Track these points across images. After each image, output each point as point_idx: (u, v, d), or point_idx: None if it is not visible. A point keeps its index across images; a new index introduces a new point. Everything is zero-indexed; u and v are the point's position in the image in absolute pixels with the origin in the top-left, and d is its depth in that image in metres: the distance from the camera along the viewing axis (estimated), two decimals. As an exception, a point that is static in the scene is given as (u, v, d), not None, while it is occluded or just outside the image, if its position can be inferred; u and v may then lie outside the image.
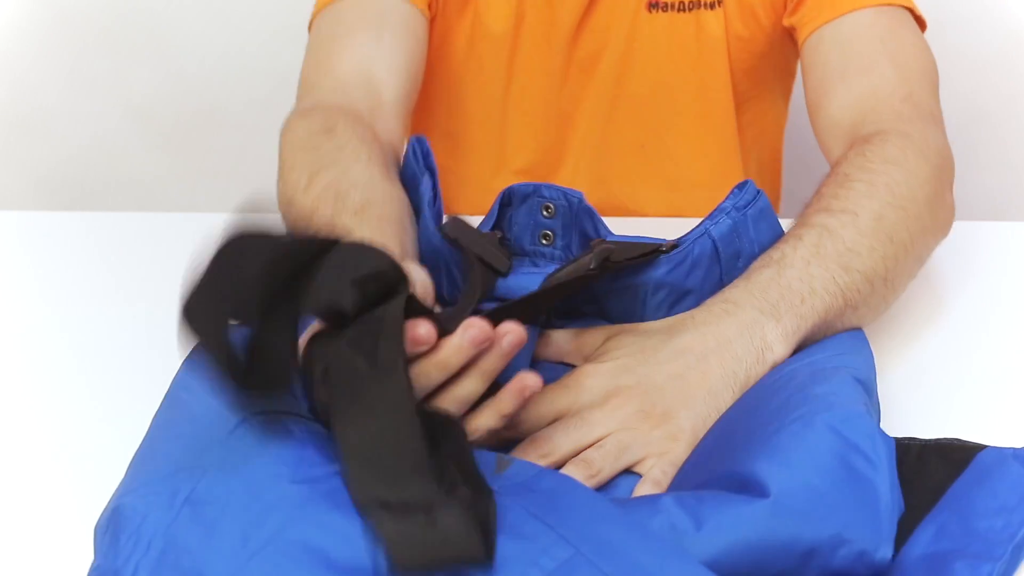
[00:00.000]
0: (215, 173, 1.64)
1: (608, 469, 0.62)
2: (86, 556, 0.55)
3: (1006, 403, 0.71)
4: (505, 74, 1.05)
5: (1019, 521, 0.56)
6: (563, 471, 0.62)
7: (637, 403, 0.64)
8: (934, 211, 0.77)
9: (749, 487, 0.54)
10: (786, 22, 0.99)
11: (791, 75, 1.12)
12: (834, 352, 0.68)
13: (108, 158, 1.62)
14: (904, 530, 0.57)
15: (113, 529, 0.53)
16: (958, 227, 0.82)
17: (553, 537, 0.51)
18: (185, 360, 0.62)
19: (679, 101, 1.05)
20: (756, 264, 0.71)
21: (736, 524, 0.53)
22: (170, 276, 0.89)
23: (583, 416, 0.64)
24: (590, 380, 0.66)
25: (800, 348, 0.68)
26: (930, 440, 0.63)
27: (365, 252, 0.55)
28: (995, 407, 0.71)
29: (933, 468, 0.61)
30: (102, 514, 0.55)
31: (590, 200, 0.73)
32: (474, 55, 1.04)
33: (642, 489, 0.62)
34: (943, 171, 0.80)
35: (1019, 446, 0.61)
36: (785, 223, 0.75)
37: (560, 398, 0.65)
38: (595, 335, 0.71)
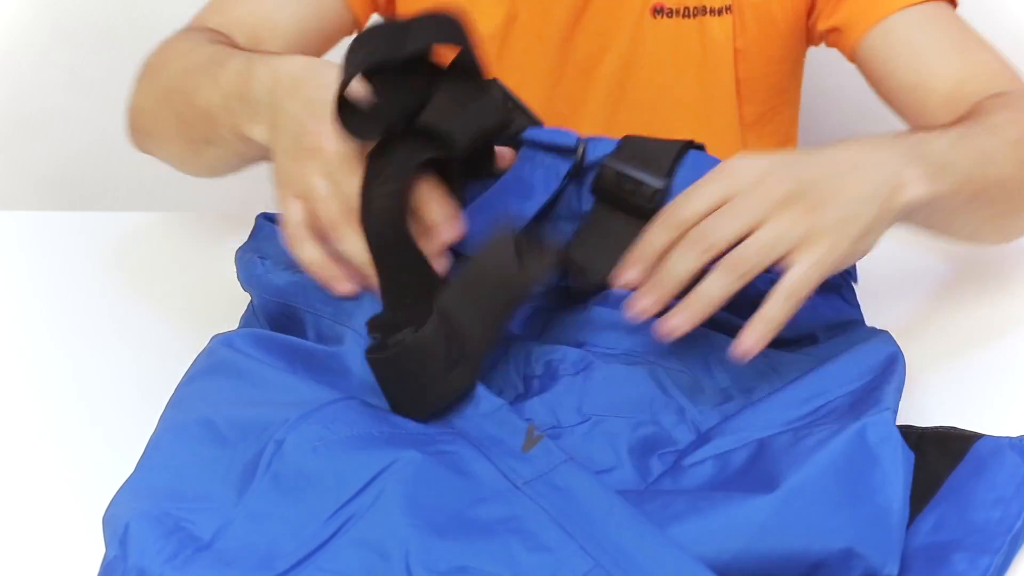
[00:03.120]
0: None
1: (757, 267, 0.62)
2: (78, 552, 0.55)
3: (1006, 403, 0.71)
4: (495, 73, 1.04)
5: (1016, 512, 0.57)
6: (712, 276, 0.62)
7: (792, 185, 0.64)
8: None
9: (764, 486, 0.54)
10: (824, 24, 0.98)
11: (800, 83, 1.11)
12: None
13: (108, 158, 1.61)
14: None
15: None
16: (958, 227, 0.82)
17: (573, 548, 0.50)
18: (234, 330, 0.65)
19: (682, 106, 1.04)
20: (898, 132, 0.73)
21: (741, 517, 0.52)
22: (170, 276, 0.89)
23: (737, 204, 0.64)
24: (743, 162, 0.66)
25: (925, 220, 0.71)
26: (927, 428, 0.63)
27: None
28: (995, 406, 0.71)
29: (931, 458, 0.61)
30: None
31: None
32: None
33: (780, 290, 0.62)
34: None
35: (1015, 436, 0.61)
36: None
37: (712, 187, 0.65)
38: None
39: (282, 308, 0.69)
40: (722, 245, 0.63)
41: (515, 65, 1.03)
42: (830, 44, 1.00)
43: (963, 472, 0.60)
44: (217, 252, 0.90)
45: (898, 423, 0.60)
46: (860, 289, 0.73)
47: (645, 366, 0.65)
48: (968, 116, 0.79)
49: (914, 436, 0.63)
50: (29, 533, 0.63)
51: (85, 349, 0.81)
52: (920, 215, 0.70)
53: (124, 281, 0.89)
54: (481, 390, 0.60)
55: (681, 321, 0.63)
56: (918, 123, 0.91)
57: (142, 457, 0.59)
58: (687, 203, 0.65)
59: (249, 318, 0.73)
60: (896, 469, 0.55)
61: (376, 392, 0.61)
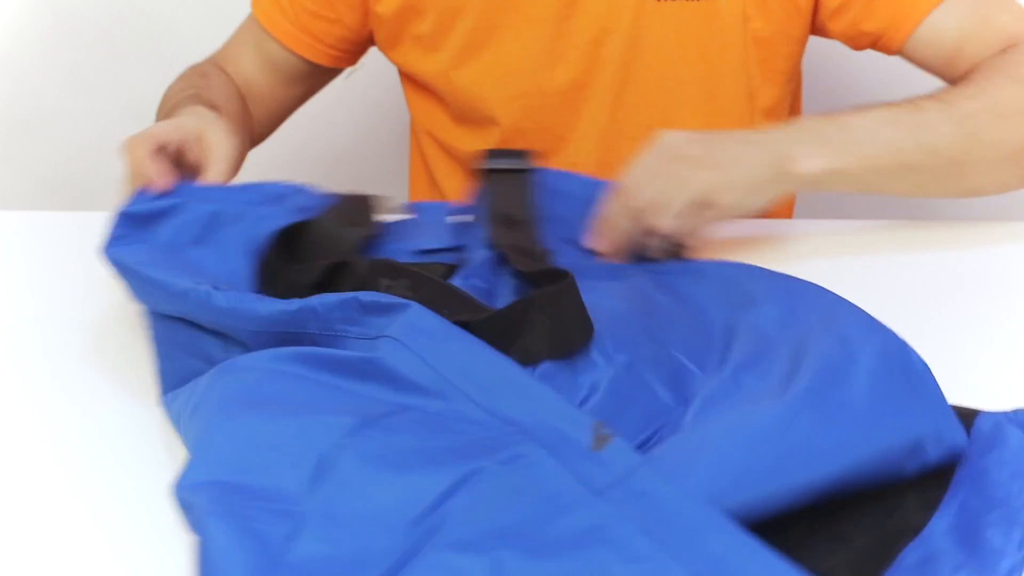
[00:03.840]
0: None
1: (650, 205, 0.82)
2: (77, 551, 0.55)
3: (1006, 403, 0.71)
4: (482, 57, 1.05)
5: None
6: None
7: (672, 151, 0.83)
8: None
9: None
10: (869, 27, 0.98)
11: (799, 72, 1.11)
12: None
13: (108, 158, 1.61)
14: (926, 504, 0.58)
15: None
16: (958, 227, 0.82)
17: (665, 558, 0.49)
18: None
19: (689, 88, 1.04)
20: (845, 111, 0.86)
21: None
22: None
23: (627, 188, 0.83)
24: (637, 166, 0.84)
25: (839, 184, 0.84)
26: None
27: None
28: (996, 406, 0.71)
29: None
30: None
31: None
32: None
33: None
34: None
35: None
36: (800, 223, 0.75)
37: (617, 203, 0.84)
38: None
39: (281, 337, 0.68)
40: (625, 239, 0.83)
41: (504, 49, 1.03)
42: (868, 47, 1.00)
43: (973, 452, 0.61)
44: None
45: None
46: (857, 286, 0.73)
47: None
48: (937, 92, 0.89)
49: None
50: (29, 532, 0.63)
51: (84, 349, 0.81)
52: (832, 183, 0.84)
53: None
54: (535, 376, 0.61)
55: (605, 246, 0.84)
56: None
57: (199, 444, 0.59)
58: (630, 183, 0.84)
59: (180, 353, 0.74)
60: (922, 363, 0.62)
61: (433, 395, 0.60)
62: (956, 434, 0.60)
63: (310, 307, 0.67)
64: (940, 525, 0.57)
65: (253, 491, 0.54)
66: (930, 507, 0.58)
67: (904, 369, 0.62)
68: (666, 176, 0.83)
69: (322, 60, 1.11)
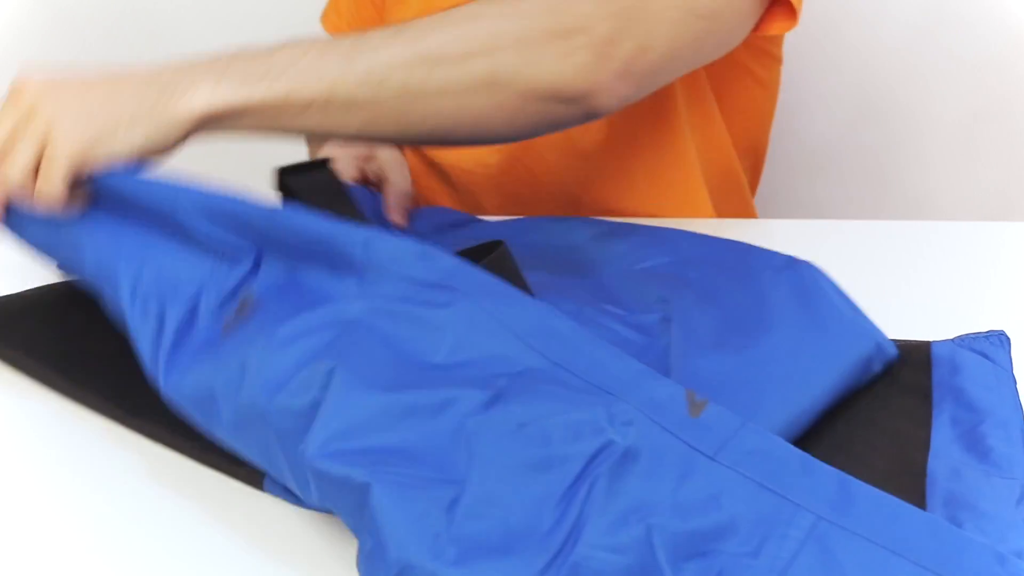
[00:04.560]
0: (214, 173, 1.64)
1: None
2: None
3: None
4: None
5: (1009, 393, 0.66)
6: None
7: (26, 106, 0.70)
8: (526, 49, 0.72)
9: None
10: None
11: (767, 57, 1.06)
12: None
13: (108, 158, 1.61)
14: (919, 422, 0.64)
15: None
16: (958, 227, 0.82)
17: (789, 507, 0.51)
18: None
19: None
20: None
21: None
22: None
23: None
24: None
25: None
26: None
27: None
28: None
29: (905, 372, 0.69)
30: None
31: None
32: None
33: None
34: (572, 33, 0.73)
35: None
36: (765, 224, 0.75)
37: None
38: None
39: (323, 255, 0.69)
40: None
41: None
42: None
43: (943, 374, 0.68)
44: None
45: None
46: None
47: None
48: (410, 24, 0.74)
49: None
50: (29, 531, 0.63)
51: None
52: (237, 120, 0.70)
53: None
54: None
55: None
56: None
57: (335, 409, 0.56)
58: None
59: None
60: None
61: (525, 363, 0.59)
62: (891, 347, 0.69)
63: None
64: (943, 437, 0.62)
65: (405, 457, 0.54)
66: (925, 424, 0.64)
67: (838, 293, 0.71)
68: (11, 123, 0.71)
69: None
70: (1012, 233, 0.93)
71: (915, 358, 0.70)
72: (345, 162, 0.93)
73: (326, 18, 1.17)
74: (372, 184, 0.95)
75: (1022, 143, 1.48)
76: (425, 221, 0.94)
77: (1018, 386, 0.70)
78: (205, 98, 0.68)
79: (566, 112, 0.76)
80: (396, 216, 0.91)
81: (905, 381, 0.69)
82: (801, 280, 0.71)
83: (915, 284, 0.85)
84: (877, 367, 0.68)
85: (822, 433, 0.64)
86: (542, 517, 0.51)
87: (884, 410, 0.66)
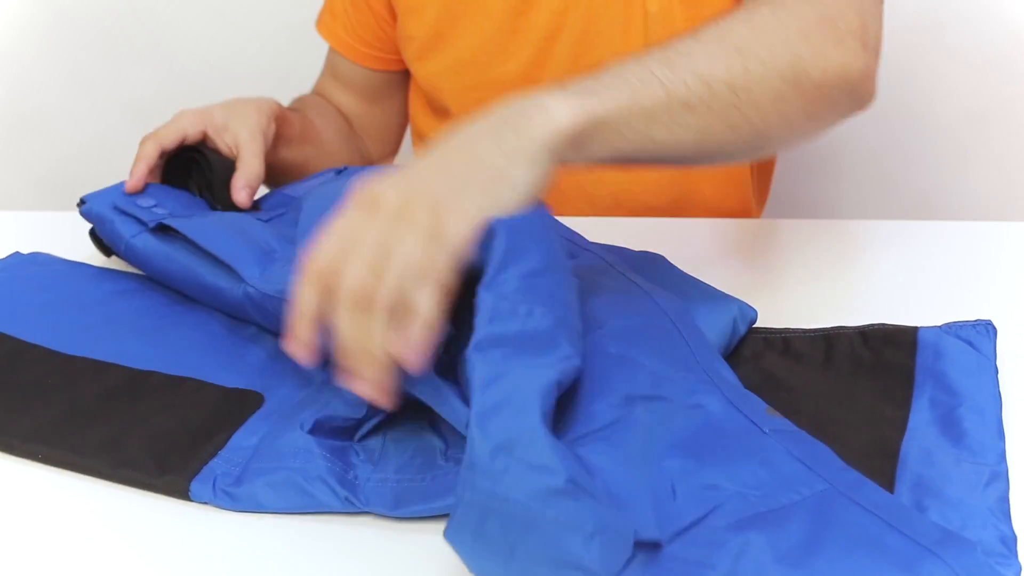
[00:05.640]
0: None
1: (389, 296, 0.57)
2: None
3: (1007, 402, 0.71)
4: (442, 49, 1.07)
5: (989, 380, 0.69)
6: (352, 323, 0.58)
7: (401, 200, 0.59)
8: (810, 40, 0.73)
9: None
10: None
11: None
12: None
13: (108, 158, 1.61)
14: (898, 404, 0.68)
15: None
16: (958, 227, 0.82)
17: (812, 475, 0.58)
18: None
19: None
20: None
21: None
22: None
23: (355, 243, 0.58)
24: (355, 202, 0.60)
25: (615, 129, 0.65)
26: (863, 327, 0.74)
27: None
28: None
29: (888, 353, 0.72)
30: None
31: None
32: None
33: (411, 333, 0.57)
34: (831, 22, 0.74)
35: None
36: (767, 224, 0.75)
37: (331, 240, 0.60)
38: None
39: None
40: (362, 294, 0.57)
41: (463, 41, 1.05)
42: None
43: (926, 357, 0.71)
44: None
45: (823, 326, 0.75)
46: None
47: None
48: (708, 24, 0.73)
49: (851, 335, 0.74)
50: (28, 531, 0.63)
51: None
52: (598, 141, 0.65)
53: (124, 281, 0.88)
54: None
55: (369, 384, 0.59)
56: None
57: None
58: (317, 257, 0.60)
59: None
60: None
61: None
62: (751, 310, 0.75)
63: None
64: (920, 419, 0.66)
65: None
66: (904, 404, 0.67)
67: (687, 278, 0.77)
68: (366, 242, 0.59)
69: (380, 66, 1.15)
70: (1012, 233, 0.93)
71: (901, 340, 0.73)
72: (192, 119, 0.92)
73: (321, 22, 1.16)
74: (219, 150, 0.93)
75: (1022, 143, 1.48)
76: (274, 200, 0.94)
77: (1018, 378, 0.70)
78: (564, 113, 0.63)
79: (849, 102, 0.76)
80: (239, 195, 0.91)
81: (889, 361, 0.71)
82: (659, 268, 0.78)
83: (915, 283, 0.85)
84: (741, 329, 0.74)
85: (801, 411, 0.66)
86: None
87: (866, 391, 0.69)
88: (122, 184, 0.90)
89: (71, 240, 0.93)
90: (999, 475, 0.62)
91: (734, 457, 0.59)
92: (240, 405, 0.70)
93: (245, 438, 0.67)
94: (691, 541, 0.55)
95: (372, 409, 0.65)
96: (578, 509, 0.51)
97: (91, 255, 0.91)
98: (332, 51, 1.17)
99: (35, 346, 0.77)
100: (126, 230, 0.85)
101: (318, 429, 0.66)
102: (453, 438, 0.64)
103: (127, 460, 0.65)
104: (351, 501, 0.62)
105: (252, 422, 0.69)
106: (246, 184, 0.91)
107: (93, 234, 0.90)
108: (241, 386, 0.72)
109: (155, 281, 0.85)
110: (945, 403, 0.67)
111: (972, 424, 0.65)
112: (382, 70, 1.16)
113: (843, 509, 0.56)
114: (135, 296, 0.84)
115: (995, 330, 0.73)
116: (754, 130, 0.71)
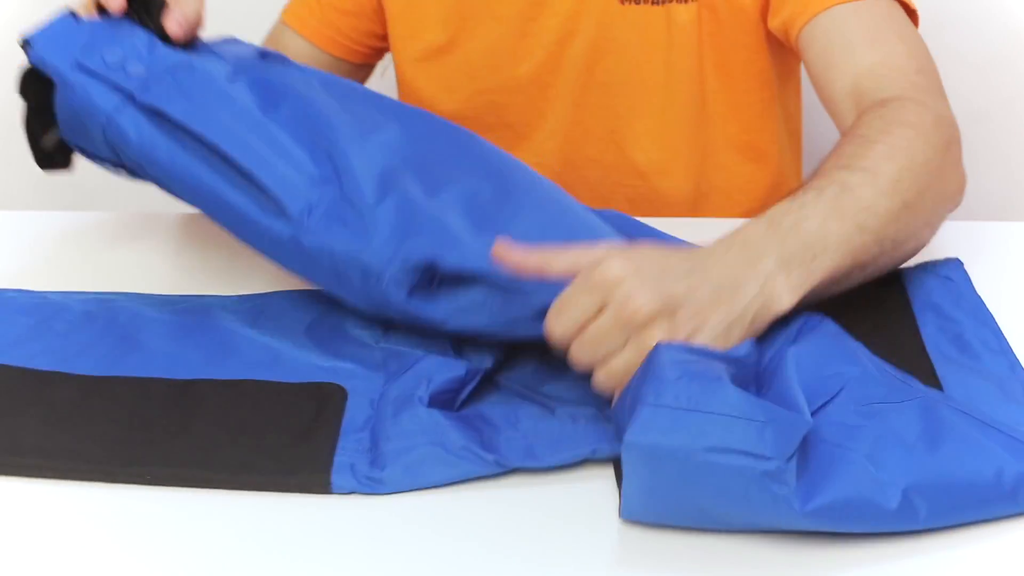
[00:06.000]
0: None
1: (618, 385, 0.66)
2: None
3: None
4: (452, 45, 1.07)
5: (973, 306, 0.78)
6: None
7: (658, 305, 0.65)
8: (948, 178, 0.81)
9: None
10: (772, 24, 0.98)
11: (789, 77, 1.11)
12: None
13: (108, 158, 1.61)
14: (904, 332, 0.75)
15: None
16: (958, 227, 0.82)
17: (906, 386, 0.66)
18: None
19: (648, 91, 1.06)
20: (776, 209, 0.72)
21: None
22: (170, 275, 0.89)
23: (604, 323, 0.65)
24: (612, 270, 0.66)
25: (804, 302, 0.71)
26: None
27: None
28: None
29: (883, 292, 0.78)
30: None
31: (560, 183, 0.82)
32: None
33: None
34: (955, 142, 0.83)
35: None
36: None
37: (584, 298, 0.66)
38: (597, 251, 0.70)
39: None
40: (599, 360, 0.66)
41: (473, 44, 1.06)
42: (782, 39, 1.00)
43: (917, 293, 0.79)
44: (217, 251, 0.90)
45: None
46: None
47: None
48: (848, 150, 0.78)
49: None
50: (29, 530, 0.63)
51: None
52: (806, 301, 0.71)
53: (124, 281, 0.88)
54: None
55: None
56: (829, 111, 0.93)
57: None
58: (567, 311, 0.66)
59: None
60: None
61: None
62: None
63: None
64: (934, 342, 0.74)
65: None
66: (915, 333, 0.75)
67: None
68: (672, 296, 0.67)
69: (351, 56, 1.14)
70: (1012, 233, 0.93)
71: (888, 279, 0.79)
72: None
73: (287, 11, 1.14)
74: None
75: (1022, 143, 1.48)
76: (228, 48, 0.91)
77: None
78: (789, 300, 0.69)
79: (954, 208, 0.84)
80: (172, 25, 0.86)
81: (886, 305, 0.78)
82: None
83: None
84: None
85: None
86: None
87: (874, 333, 0.73)
88: (75, 20, 0.81)
89: (71, 240, 0.94)
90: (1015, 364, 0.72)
91: (848, 360, 0.67)
92: (322, 396, 0.70)
93: (354, 427, 0.67)
94: (826, 421, 0.62)
95: (471, 370, 0.70)
96: (750, 402, 0.58)
97: (93, 259, 0.90)
98: (294, 34, 1.14)
99: (53, 372, 0.73)
100: (104, 100, 0.77)
101: (433, 402, 0.67)
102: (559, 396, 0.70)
103: (239, 465, 0.65)
104: (500, 463, 0.64)
105: (351, 410, 0.69)
106: (182, 18, 0.88)
107: (26, 84, 0.77)
108: (304, 380, 0.72)
109: (118, 293, 0.80)
110: (950, 328, 0.75)
111: (979, 344, 0.74)
112: (345, 59, 1.14)
113: (947, 411, 0.63)
114: (118, 309, 0.81)
115: (962, 263, 0.82)
116: (904, 258, 0.80)
